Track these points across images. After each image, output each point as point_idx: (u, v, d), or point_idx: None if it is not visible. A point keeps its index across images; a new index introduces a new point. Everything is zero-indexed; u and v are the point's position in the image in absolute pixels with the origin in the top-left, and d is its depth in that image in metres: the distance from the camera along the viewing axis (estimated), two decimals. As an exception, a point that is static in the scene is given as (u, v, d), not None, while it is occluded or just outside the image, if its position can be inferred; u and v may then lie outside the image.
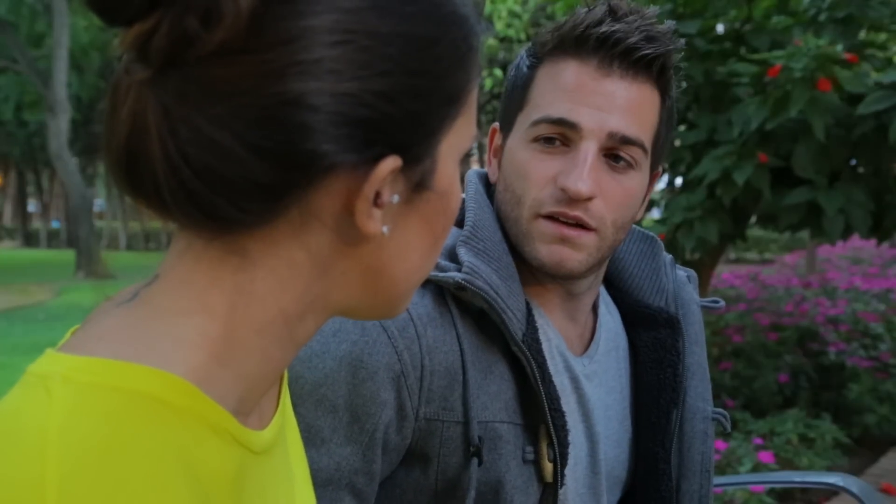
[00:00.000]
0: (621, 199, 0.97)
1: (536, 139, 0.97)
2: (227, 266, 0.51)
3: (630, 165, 0.97)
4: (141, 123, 0.47)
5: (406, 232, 0.55)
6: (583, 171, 0.93)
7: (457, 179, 0.57)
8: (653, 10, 0.98)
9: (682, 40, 1.00)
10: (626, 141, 0.95)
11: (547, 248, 0.96)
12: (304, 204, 0.50)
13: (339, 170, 0.49)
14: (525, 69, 1.01)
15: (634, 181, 0.98)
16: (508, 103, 1.03)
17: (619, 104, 0.95)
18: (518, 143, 0.99)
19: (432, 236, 0.57)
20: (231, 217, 0.49)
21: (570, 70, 0.96)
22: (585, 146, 0.94)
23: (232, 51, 0.46)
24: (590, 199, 0.94)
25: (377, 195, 0.51)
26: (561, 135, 0.96)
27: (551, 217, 0.95)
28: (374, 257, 0.54)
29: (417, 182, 0.53)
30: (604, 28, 0.94)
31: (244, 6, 0.45)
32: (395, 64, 0.49)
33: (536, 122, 0.96)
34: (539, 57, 1.00)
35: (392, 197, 0.52)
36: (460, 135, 0.56)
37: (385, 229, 0.52)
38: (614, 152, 0.96)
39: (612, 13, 0.96)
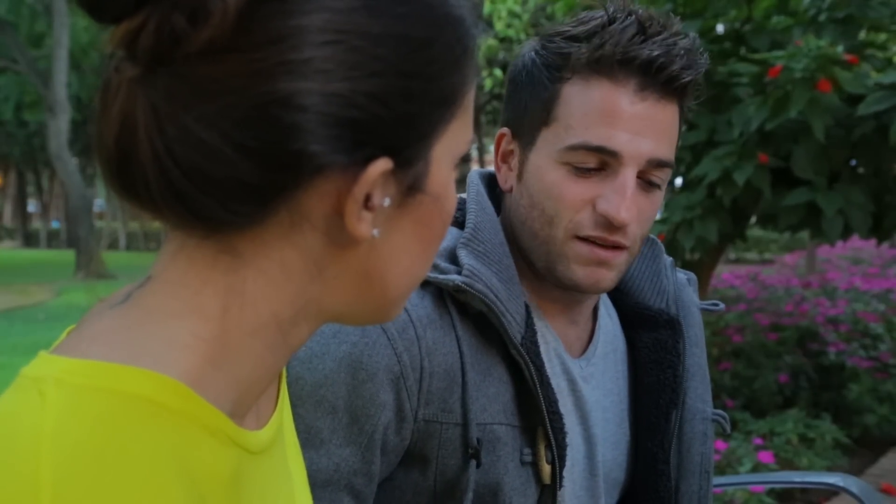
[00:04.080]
0: (650, 216, 0.98)
1: (571, 162, 0.95)
2: (218, 267, 0.51)
3: (660, 185, 0.98)
4: (130, 122, 0.47)
5: (399, 236, 0.54)
6: (625, 199, 0.93)
7: (451, 183, 0.56)
8: (676, 22, 0.97)
9: (706, 55, 0.99)
10: (662, 165, 0.96)
11: (584, 270, 0.96)
12: (294, 205, 0.50)
13: (328, 171, 0.49)
14: (546, 82, 0.97)
15: (661, 197, 1.00)
16: (525, 114, 0.99)
17: (655, 128, 0.94)
18: (547, 162, 0.96)
19: (426, 240, 0.56)
20: (219, 217, 0.49)
21: (604, 91, 0.94)
22: (625, 172, 0.93)
23: (220, 49, 0.46)
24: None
25: (368, 198, 0.50)
26: (598, 160, 0.94)
27: (587, 239, 0.95)
28: (367, 260, 0.54)
29: (410, 185, 0.52)
30: (646, 52, 0.92)
31: (232, 4, 0.45)
32: (387, 65, 0.49)
33: (574, 148, 0.94)
34: (562, 71, 0.96)
35: (383, 200, 0.51)
36: (455, 138, 0.55)
37: (376, 232, 0.51)
38: (648, 176, 0.96)
39: (643, 30, 0.93)
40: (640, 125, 0.93)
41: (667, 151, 0.96)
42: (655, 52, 0.92)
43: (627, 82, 0.93)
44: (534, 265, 1.00)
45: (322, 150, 0.48)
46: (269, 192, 0.48)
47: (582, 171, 0.95)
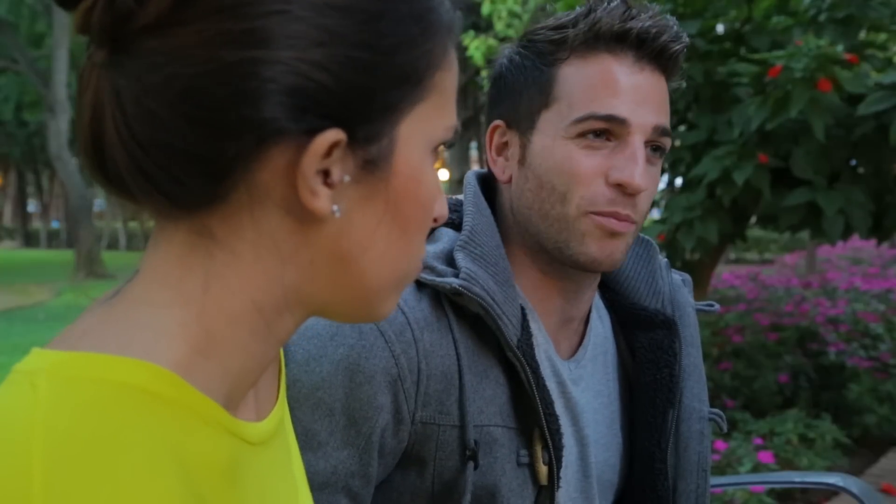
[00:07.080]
0: (655, 189, 1.01)
1: (581, 135, 0.96)
2: (197, 252, 0.52)
3: (662, 155, 1.00)
4: (99, 106, 0.49)
5: (368, 217, 0.53)
6: (638, 165, 0.95)
7: (426, 167, 0.56)
8: (653, 6, 1.00)
9: (685, 33, 1.03)
10: (665, 132, 0.98)
11: (599, 244, 0.97)
12: (251, 180, 0.50)
13: (277, 141, 0.49)
14: (542, 67, 0.98)
15: (660, 169, 1.02)
16: (519, 102, 1.00)
17: (654, 98, 0.97)
18: (554, 141, 0.97)
19: (399, 224, 0.55)
20: (179, 193, 0.50)
21: (604, 65, 0.96)
22: (634, 140, 0.95)
23: (166, 24, 0.47)
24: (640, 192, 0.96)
25: (327, 174, 0.51)
26: (607, 130, 0.96)
27: (600, 214, 0.96)
28: (337, 243, 0.53)
29: (371, 161, 0.52)
30: (640, 24, 0.95)
31: None
32: (331, 35, 0.49)
33: (581, 119, 0.95)
34: (557, 54, 0.98)
35: (343, 177, 0.51)
36: (428, 120, 0.55)
37: (336, 209, 0.51)
38: (654, 144, 0.98)
39: (629, 8, 0.97)
40: (641, 95, 0.96)
41: (667, 120, 0.99)
42: (648, 24, 0.96)
43: (625, 55, 0.96)
44: (542, 252, 1.00)
45: (266, 118, 0.48)
46: (220, 163, 0.49)
47: (594, 143, 0.96)
